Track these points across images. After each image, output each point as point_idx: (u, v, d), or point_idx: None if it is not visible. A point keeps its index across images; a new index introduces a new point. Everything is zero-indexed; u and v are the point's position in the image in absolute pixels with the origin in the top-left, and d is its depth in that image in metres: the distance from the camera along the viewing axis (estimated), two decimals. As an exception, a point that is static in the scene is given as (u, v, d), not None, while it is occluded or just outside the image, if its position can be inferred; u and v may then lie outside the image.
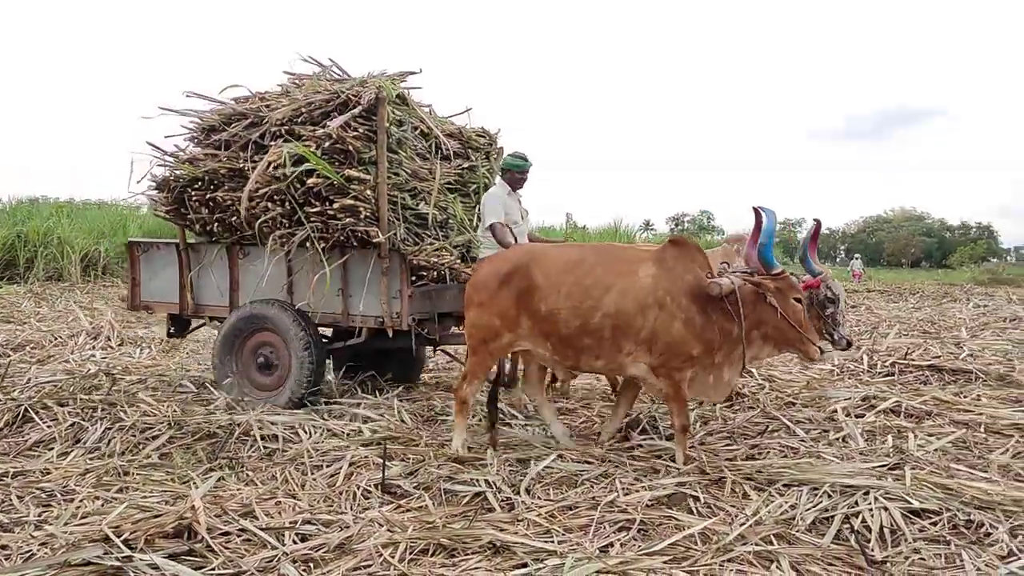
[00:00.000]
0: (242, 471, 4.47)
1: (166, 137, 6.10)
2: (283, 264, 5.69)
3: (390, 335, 5.62)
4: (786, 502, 3.93)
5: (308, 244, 5.51)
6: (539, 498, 4.12)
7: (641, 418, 5.49)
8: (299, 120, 5.53)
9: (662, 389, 4.59)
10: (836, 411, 5.71)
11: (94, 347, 8.58)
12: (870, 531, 3.62)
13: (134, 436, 4.93)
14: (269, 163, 5.34)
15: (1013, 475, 4.43)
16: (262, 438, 4.95)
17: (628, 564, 3.24)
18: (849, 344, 4.96)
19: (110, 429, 4.99)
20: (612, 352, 4.55)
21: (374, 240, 5.34)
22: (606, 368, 4.80)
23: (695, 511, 3.94)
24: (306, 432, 5.06)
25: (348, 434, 5.11)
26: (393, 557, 3.32)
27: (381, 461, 4.41)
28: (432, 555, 3.40)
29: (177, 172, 5.85)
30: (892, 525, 3.66)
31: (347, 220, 5.29)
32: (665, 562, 3.32)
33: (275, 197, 5.44)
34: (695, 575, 3.22)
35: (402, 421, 5.49)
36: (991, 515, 3.73)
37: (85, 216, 18.29)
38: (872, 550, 3.48)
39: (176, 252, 6.10)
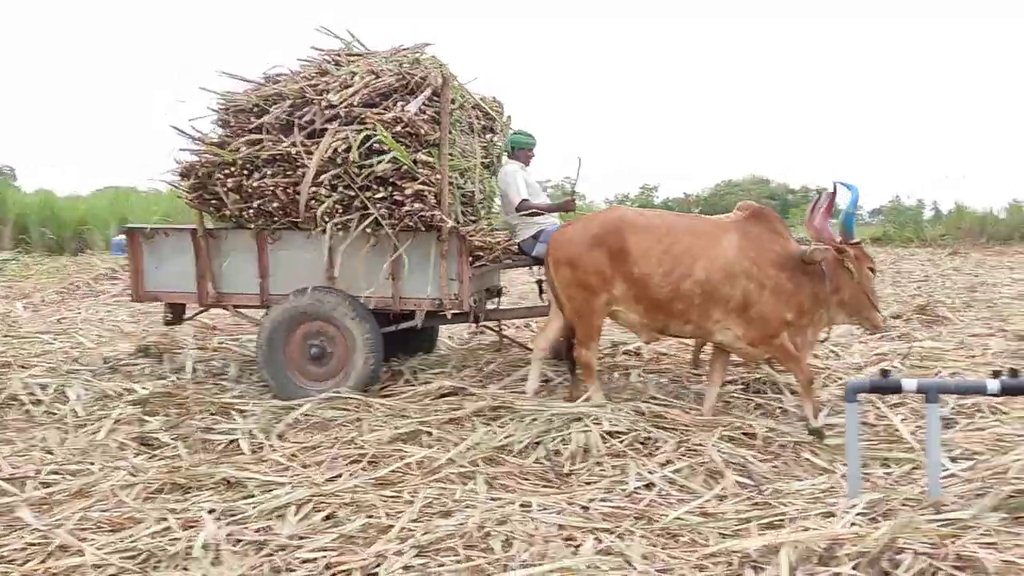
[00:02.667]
0: (2, 433, 4.64)
1: (190, 120, 5.66)
2: (324, 250, 5.37)
3: (448, 317, 5.56)
4: (508, 432, 4.50)
5: (369, 230, 5.25)
6: (288, 441, 4.54)
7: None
8: (356, 103, 5.24)
9: (764, 357, 4.93)
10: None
11: None
12: (567, 451, 4.24)
13: None
14: (334, 147, 5.12)
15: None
16: (31, 402, 5.11)
17: (340, 488, 3.72)
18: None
19: None
20: (702, 319, 4.77)
21: (441, 225, 5.19)
22: (695, 333, 4.99)
23: (425, 444, 4.45)
24: (75, 395, 5.24)
25: (120, 394, 5.32)
26: (129, 496, 3.66)
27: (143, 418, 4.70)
28: (167, 493, 3.76)
29: (205, 157, 5.44)
30: (587, 444, 4.29)
31: (416, 206, 5.12)
32: (374, 484, 3.81)
33: (329, 183, 5.19)
34: (401, 492, 3.73)
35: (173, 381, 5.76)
36: (667, 433, 4.44)
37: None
38: (562, 465, 4.11)
39: (192, 239, 5.65)
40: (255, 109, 5.43)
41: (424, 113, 5.22)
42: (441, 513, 3.47)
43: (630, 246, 4.75)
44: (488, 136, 6.29)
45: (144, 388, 5.38)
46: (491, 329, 6.81)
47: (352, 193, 5.19)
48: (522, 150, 6.12)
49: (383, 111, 5.19)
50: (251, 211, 5.38)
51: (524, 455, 4.26)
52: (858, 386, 3.50)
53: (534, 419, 4.58)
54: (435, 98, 5.33)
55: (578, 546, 3.14)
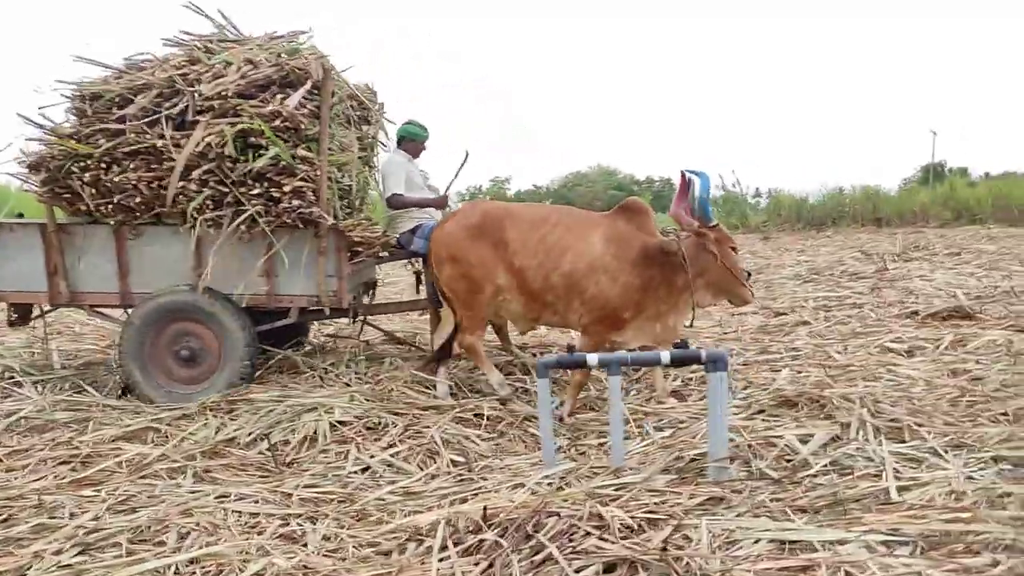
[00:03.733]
0: None
1: (39, 109, 5.20)
2: (190, 246, 5.10)
3: (326, 313, 5.40)
4: (238, 424, 4.45)
5: (240, 226, 4.98)
6: (3, 445, 4.30)
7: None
8: (231, 94, 4.94)
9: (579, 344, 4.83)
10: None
11: None
12: (294, 440, 4.24)
13: None
14: (206, 141, 4.84)
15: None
16: None
17: (26, 490, 3.57)
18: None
19: None
20: (566, 311, 4.81)
21: (322, 222, 5.03)
22: (561, 324, 5.05)
23: (150, 441, 4.33)
24: None
25: None
26: None
27: None
28: None
29: (57, 149, 5.03)
30: (316, 433, 4.31)
31: (294, 202, 4.94)
32: (76, 485, 3.69)
33: (203, 178, 4.93)
34: (100, 492, 3.61)
35: None
36: (399, 418, 4.53)
37: None
38: (284, 455, 4.11)
39: (40, 234, 5.26)
40: (117, 99, 5.08)
41: (304, 107, 5.04)
42: (129, 509, 3.39)
43: (509, 236, 4.81)
44: (363, 127, 6.13)
45: None
46: (368, 323, 6.69)
47: (224, 189, 4.96)
48: (412, 141, 6.00)
49: (261, 104, 4.94)
50: (110, 206, 5.07)
51: (251, 447, 4.23)
52: (547, 362, 3.68)
53: (271, 410, 4.56)
54: (315, 91, 5.15)
55: (260, 532, 3.15)
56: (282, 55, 5.24)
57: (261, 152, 4.88)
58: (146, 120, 5.00)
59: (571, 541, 2.77)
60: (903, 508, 3.17)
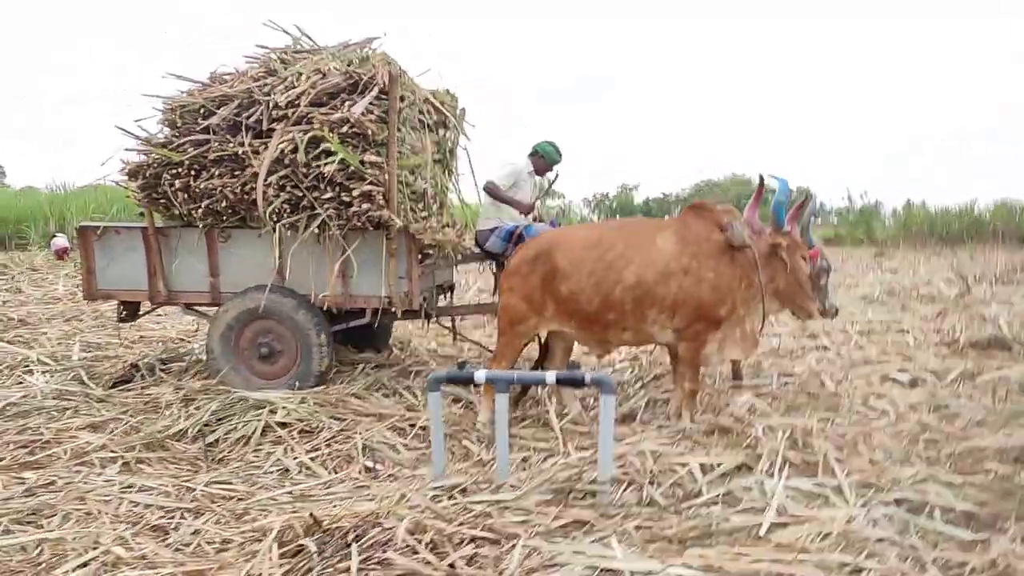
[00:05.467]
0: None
1: (136, 121, 5.64)
2: (275, 249, 5.36)
3: (398, 315, 5.54)
4: (179, 419, 4.74)
5: (318, 230, 5.25)
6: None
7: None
8: (302, 102, 5.20)
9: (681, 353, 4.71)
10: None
11: None
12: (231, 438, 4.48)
13: None
14: (281, 149, 5.12)
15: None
16: None
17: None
18: (836, 312, 5.07)
19: None
20: (638, 323, 4.65)
21: (391, 226, 5.18)
22: (634, 340, 4.85)
23: (109, 431, 4.67)
24: None
25: None
26: None
27: None
28: None
29: (152, 157, 5.45)
30: (253, 432, 4.54)
31: (364, 206, 5.11)
32: (20, 465, 4.10)
33: (280, 183, 5.19)
34: (39, 472, 3.96)
35: None
36: (338, 423, 4.69)
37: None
38: (218, 453, 4.35)
39: (142, 237, 5.66)
40: (202, 110, 5.43)
41: (371, 113, 5.19)
42: (37, 491, 3.70)
43: (560, 264, 4.68)
44: (440, 131, 6.21)
45: None
46: (443, 326, 6.74)
47: (300, 193, 5.19)
48: (542, 158, 6.11)
49: (330, 111, 5.16)
50: (200, 211, 5.40)
51: (196, 441, 4.50)
52: (439, 377, 3.74)
53: (218, 405, 4.83)
54: (383, 96, 5.27)
55: (135, 523, 3.37)
56: (351, 63, 5.45)
57: (333, 159, 5.09)
58: (228, 129, 5.33)
59: (384, 553, 2.83)
60: (769, 545, 3.07)
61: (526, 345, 5.06)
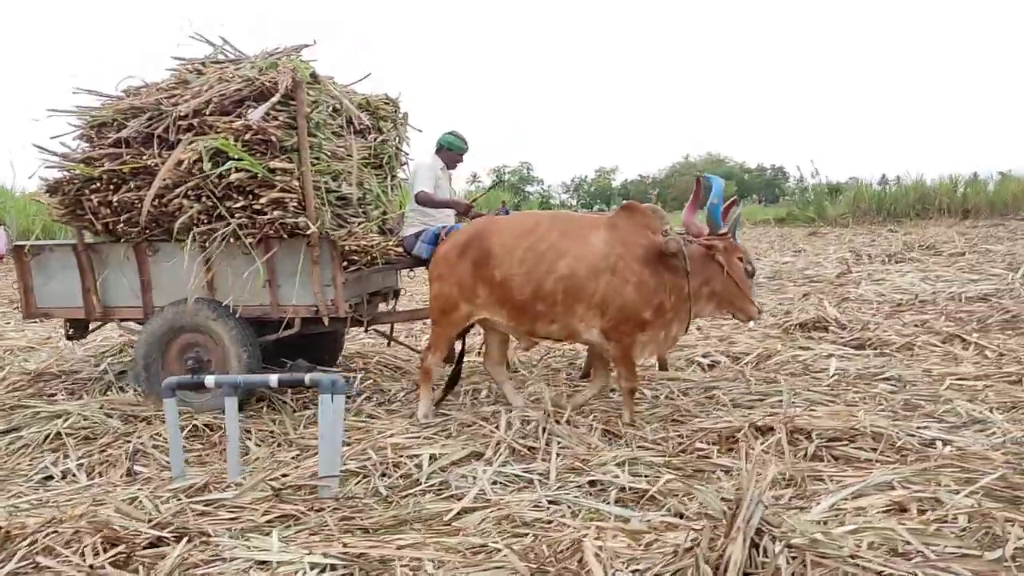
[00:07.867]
0: None
1: (52, 138, 5.63)
2: (192, 261, 5.32)
3: (326, 323, 5.48)
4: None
5: (232, 239, 5.24)
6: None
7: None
8: (209, 111, 5.23)
9: (611, 352, 4.76)
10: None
11: None
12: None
13: None
14: (180, 159, 5.12)
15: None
16: None
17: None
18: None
19: None
20: (566, 317, 4.71)
21: (306, 232, 5.18)
22: (561, 333, 4.88)
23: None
24: None
25: None
26: None
27: None
28: None
29: (71, 174, 5.45)
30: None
31: (275, 213, 5.12)
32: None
33: (191, 193, 5.20)
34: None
35: None
36: (125, 426, 4.89)
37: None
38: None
39: (74, 254, 5.67)
40: (114, 123, 5.43)
41: (276, 119, 5.20)
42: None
43: (493, 250, 4.74)
44: (373, 136, 6.19)
45: None
46: (380, 333, 6.79)
47: (211, 203, 5.20)
48: (449, 151, 6.05)
49: (234, 119, 5.17)
50: (120, 225, 5.41)
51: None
52: (172, 383, 3.93)
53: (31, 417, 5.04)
54: (290, 102, 5.27)
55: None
56: (263, 70, 5.41)
57: (239, 166, 5.09)
58: (143, 142, 5.34)
59: (52, 555, 3.01)
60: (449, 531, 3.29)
61: (461, 336, 5.26)
